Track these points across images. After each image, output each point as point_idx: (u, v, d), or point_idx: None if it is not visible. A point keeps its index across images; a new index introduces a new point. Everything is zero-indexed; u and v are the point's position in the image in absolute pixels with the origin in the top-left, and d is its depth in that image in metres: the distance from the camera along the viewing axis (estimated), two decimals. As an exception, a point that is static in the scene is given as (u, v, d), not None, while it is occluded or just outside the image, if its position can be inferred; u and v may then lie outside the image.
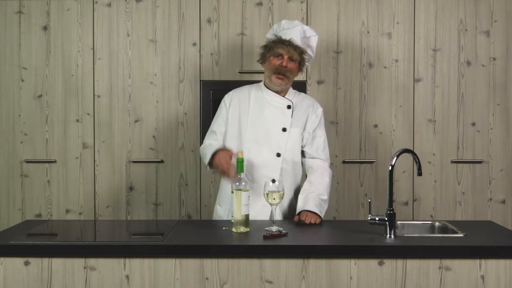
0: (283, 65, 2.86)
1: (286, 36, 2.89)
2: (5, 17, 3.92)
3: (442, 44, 3.91)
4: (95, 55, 3.92)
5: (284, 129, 2.90)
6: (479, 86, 3.91)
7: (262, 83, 3.02)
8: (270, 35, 3.01)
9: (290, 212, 2.91)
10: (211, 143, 2.95)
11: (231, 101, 2.99)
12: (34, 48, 3.92)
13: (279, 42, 2.88)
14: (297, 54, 2.89)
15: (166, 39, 3.92)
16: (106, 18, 3.91)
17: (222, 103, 3.01)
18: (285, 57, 2.87)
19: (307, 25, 3.88)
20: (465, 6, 3.90)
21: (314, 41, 2.98)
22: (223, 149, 2.80)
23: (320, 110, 3.01)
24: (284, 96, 2.95)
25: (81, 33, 3.92)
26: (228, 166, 2.67)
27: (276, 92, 2.94)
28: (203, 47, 3.91)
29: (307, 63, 3.01)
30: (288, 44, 2.87)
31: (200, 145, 3.21)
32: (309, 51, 2.98)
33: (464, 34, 3.90)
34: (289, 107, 2.92)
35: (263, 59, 2.95)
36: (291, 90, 3.01)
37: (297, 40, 2.90)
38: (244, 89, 3.03)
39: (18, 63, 3.92)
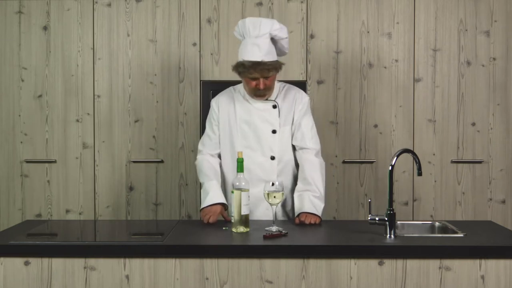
0: (259, 88, 2.78)
1: (255, 55, 2.73)
2: (5, 17, 3.92)
3: (442, 44, 3.91)
4: (95, 55, 3.92)
5: (274, 131, 2.89)
6: (479, 86, 3.91)
7: (243, 87, 2.93)
8: (238, 35, 2.85)
9: (294, 212, 2.89)
10: (207, 174, 2.88)
11: (218, 107, 2.95)
12: (34, 48, 3.92)
13: (251, 67, 2.73)
14: (272, 70, 2.77)
15: (166, 39, 3.92)
16: (106, 18, 3.91)
17: (211, 110, 2.98)
18: (261, 80, 2.77)
19: (307, 25, 3.88)
20: (465, 6, 3.90)
21: (284, 33, 2.83)
22: (217, 205, 2.78)
23: (305, 99, 2.94)
24: (268, 99, 2.90)
25: (81, 33, 3.92)
26: (211, 221, 2.73)
27: None
28: (203, 47, 3.91)
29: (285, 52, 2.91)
30: (262, 68, 2.74)
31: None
32: (283, 43, 2.85)
33: (464, 34, 3.90)
34: (274, 107, 2.89)
35: (238, 74, 2.83)
36: (275, 85, 2.93)
37: (269, 51, 2.75)
38: (228, 93, 2.98)
39: (18, 63, 3.92)
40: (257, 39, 2.75)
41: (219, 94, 3.02)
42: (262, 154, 2.88)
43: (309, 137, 2.90)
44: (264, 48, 2.75)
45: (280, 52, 2.88)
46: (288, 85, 2.99)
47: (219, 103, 2.96)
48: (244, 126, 2.90)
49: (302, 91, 2.98)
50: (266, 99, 2.89)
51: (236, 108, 2.92)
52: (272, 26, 2.77)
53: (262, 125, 2.88)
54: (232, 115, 2.92)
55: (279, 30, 2.79)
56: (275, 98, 2.91)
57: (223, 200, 2.82)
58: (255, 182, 2.81)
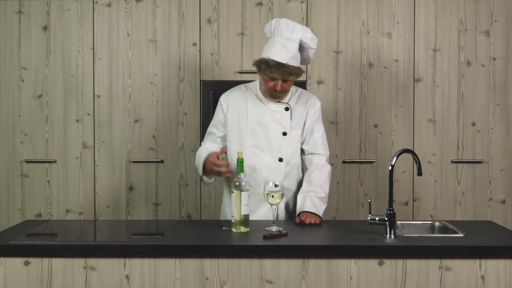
0: (277, 89, 2.78)
1: (281, 56, 2.72)
2: (5, 17, 3.92)
3: (442, 44, 3.91)
4: (95, 55, 3.92)
5: (284, 133, 2.88)
6: (479, 86, 3.91)
7: (257, 85, 2.93)
8: (267, 32, 2.85)
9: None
10: (200, 153, 2.93)
11: (228, 104, 2.93)
12: (34, 48, 3.92)
13: (274, 67, 2.72)
14: (294, 74, 2.77)
15: (166, 39, 3.92)
16: (106, 18, 3.91)
17: (218, 106, 2.97)
18: (279, 82, 2.76)
19: (307, 25, 3.88)
20: (465, 6, 3.90)
21: (314, 44, 2.85)
22: (210, 155, 2.82)
23: (318, 104, 2.96)
24: (281, 101, 2.90)
25: (81, 33, 3.92)
26: (219, 169, 2.75)
27: None
28: (203, 47, 3.91)
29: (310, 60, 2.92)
30: (284, 71, 2.73)
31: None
32: (309, 53, 2.87)
33: (464, 34, 3.90)
34: (287, 109, 2.89)
35: (258, 70, 2.82)
36: None
37: (296, 55, 2.76)
38: (240, 91, 2.96)
39: (18, 63, 3.92)
40: (287, 42, 2.76)
41: (229, 91, 3.00)
42: (271, 155, 2.87)
43: (320, 144, 2.92)
44: (292, 51, 2.75)
45: (304, 61, 2.88)
46: (300, 89, 3.01)
47: (229, 101, 2.95)
48: (255, 126, 2.89)
49: (314, 96, 3.00)
50: (279, 101, 2.90)
51: (249, 107, 2.91)
52: (305, 34, 2.79)
53: (273, 126, 2.88)
54: (243, 114, 2.91)
55: (310, 39, 2.81)
56: (288, 101, 2.91)
57: (214, 149, 2.89)
58: (261, 183, 2.79)
